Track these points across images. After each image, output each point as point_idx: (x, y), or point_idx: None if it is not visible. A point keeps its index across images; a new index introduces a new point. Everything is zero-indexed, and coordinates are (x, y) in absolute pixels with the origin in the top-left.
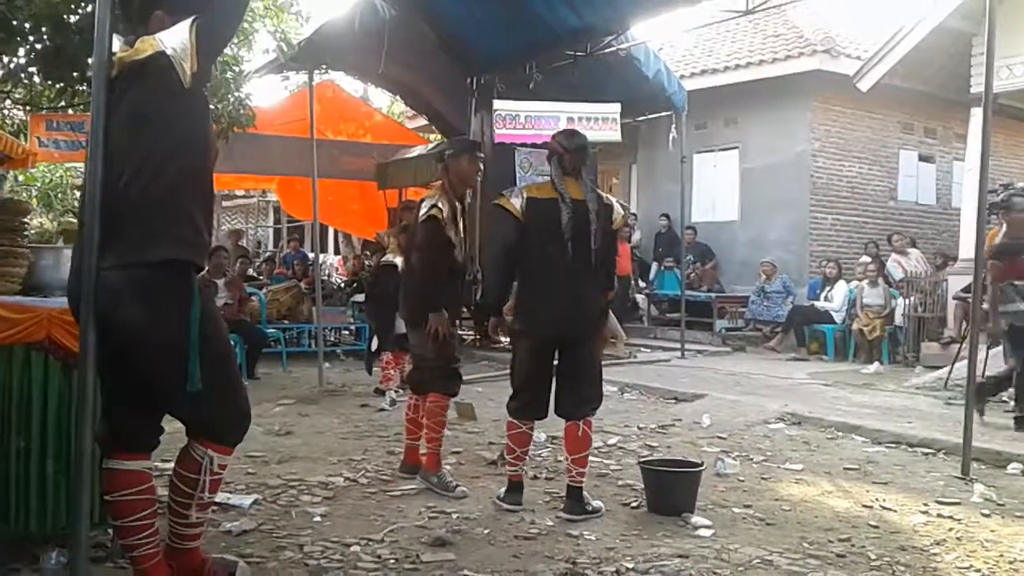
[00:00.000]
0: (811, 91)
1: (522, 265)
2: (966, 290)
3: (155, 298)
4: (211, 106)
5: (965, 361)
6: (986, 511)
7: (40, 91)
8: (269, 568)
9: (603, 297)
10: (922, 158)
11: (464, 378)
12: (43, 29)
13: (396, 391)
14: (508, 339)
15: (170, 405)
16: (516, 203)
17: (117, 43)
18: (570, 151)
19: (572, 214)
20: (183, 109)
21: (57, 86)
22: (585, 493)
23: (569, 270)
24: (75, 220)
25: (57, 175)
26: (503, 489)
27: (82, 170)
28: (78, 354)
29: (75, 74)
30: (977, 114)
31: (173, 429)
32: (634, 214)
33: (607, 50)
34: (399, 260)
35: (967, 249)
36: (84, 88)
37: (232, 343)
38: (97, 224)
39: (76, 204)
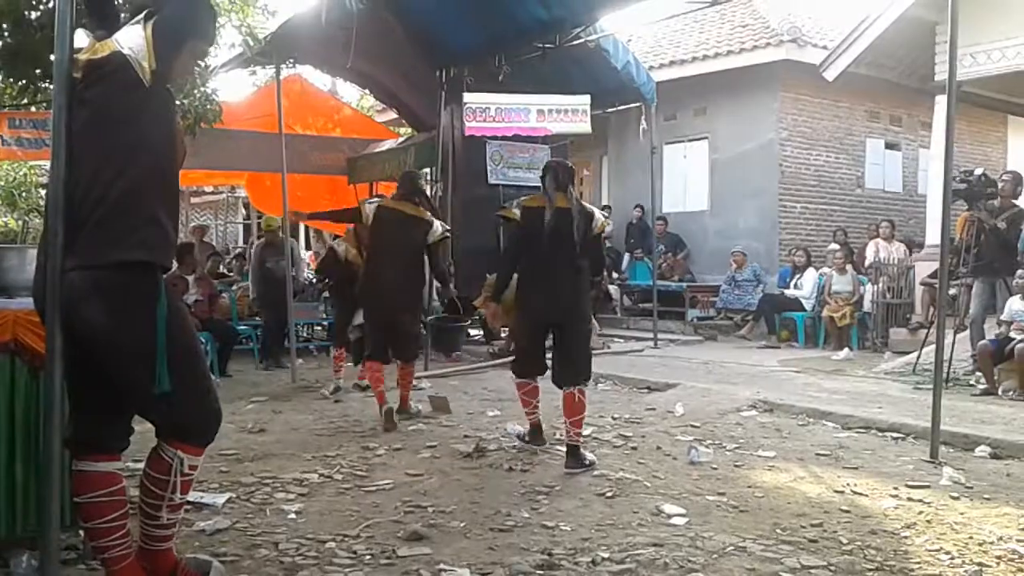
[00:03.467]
0: (778, 81)
1: (520, 262)
2: (933, 276)
3: (120, 300)
4: (177, 102)
5: (933, 346)
6: (955, 494)
7: (2, 88)
8: (244, 567)
9: (592, 286)
10: (888, 146)
11: (439, 372)
12: (3, 26)
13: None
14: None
15: (139, 406)
16: (516, 212)
17: (84, 39)
18: (563, 169)
19: (555, 219)
20: (144, 108)
21: (19, 83)
22: (581, 450)
23: (553, 265)
24: (41, 219)
25: (21, 173)
26: (524, 430)
27: (46, 168)
28: (45, 356)
29: (37, 71)
30: (942, 102)
31: (144, 429)
32: (608, 206)
33: (576, 42)
34: (341, 248)
35: (933, 235)
36: (47, 85)
37: (202, 341)
38: (61, 224)
39: (41, 203)
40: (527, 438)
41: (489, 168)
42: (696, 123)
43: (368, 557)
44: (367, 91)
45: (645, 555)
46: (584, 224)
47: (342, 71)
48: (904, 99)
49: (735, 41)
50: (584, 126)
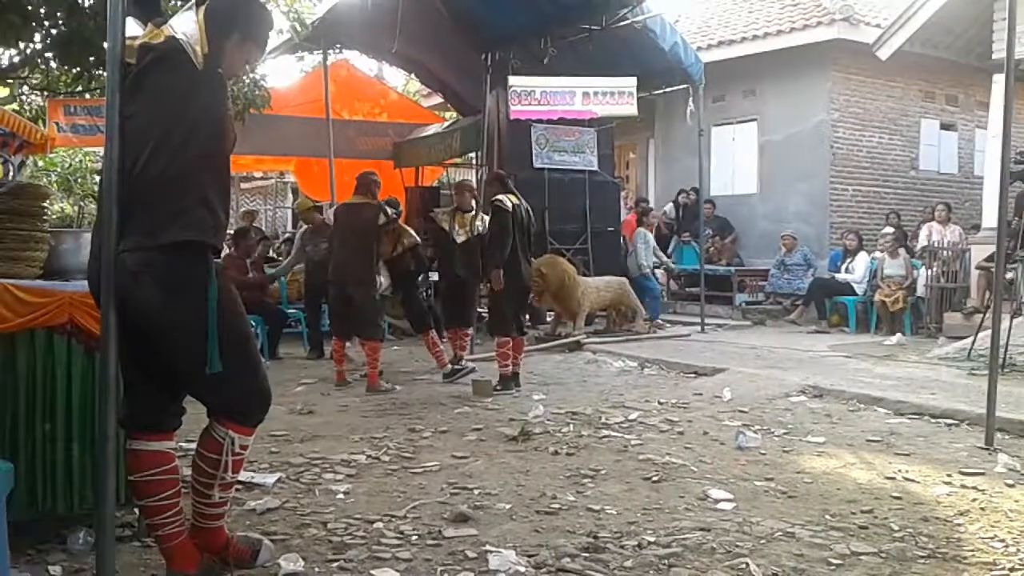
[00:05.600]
0: (830, 60)
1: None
2: (989, 259)
3: (172, 280)
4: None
5: (988, 331)
6: (1010, 481)
7: (57, 76)
8: (293, 545)
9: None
10: (944, 126)
11: (482, 355)
12: (58, 14)
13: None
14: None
15: (191, 386)
16: (508, 204)
17: (135, 27)
18: (509, 178)
19: (525, 215)
20: (198, 92)
21: (74, 71)
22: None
23: (526, 248)
24: (95, 204)
25: (76, 160)
26: (496, 380)
27: (101, 154)
28: (100, 337)
29: (91, 58)
30: (999, 81)
31: (196, 409)
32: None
33: (622, 23)
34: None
35: (990, 218)
36: (101, 72)
37: (252, 324)
38: (115, 207)
39: (95, 188)
40: (498, 387)
41: (534, 152)
42: (745, 104)
43: (415, 537)
44: (413, 75)
45: (692, 539)
46: (530, 218)
47: (388, 56)
48: (960, 78)
49: (785, 20)
50: (630, 108)
